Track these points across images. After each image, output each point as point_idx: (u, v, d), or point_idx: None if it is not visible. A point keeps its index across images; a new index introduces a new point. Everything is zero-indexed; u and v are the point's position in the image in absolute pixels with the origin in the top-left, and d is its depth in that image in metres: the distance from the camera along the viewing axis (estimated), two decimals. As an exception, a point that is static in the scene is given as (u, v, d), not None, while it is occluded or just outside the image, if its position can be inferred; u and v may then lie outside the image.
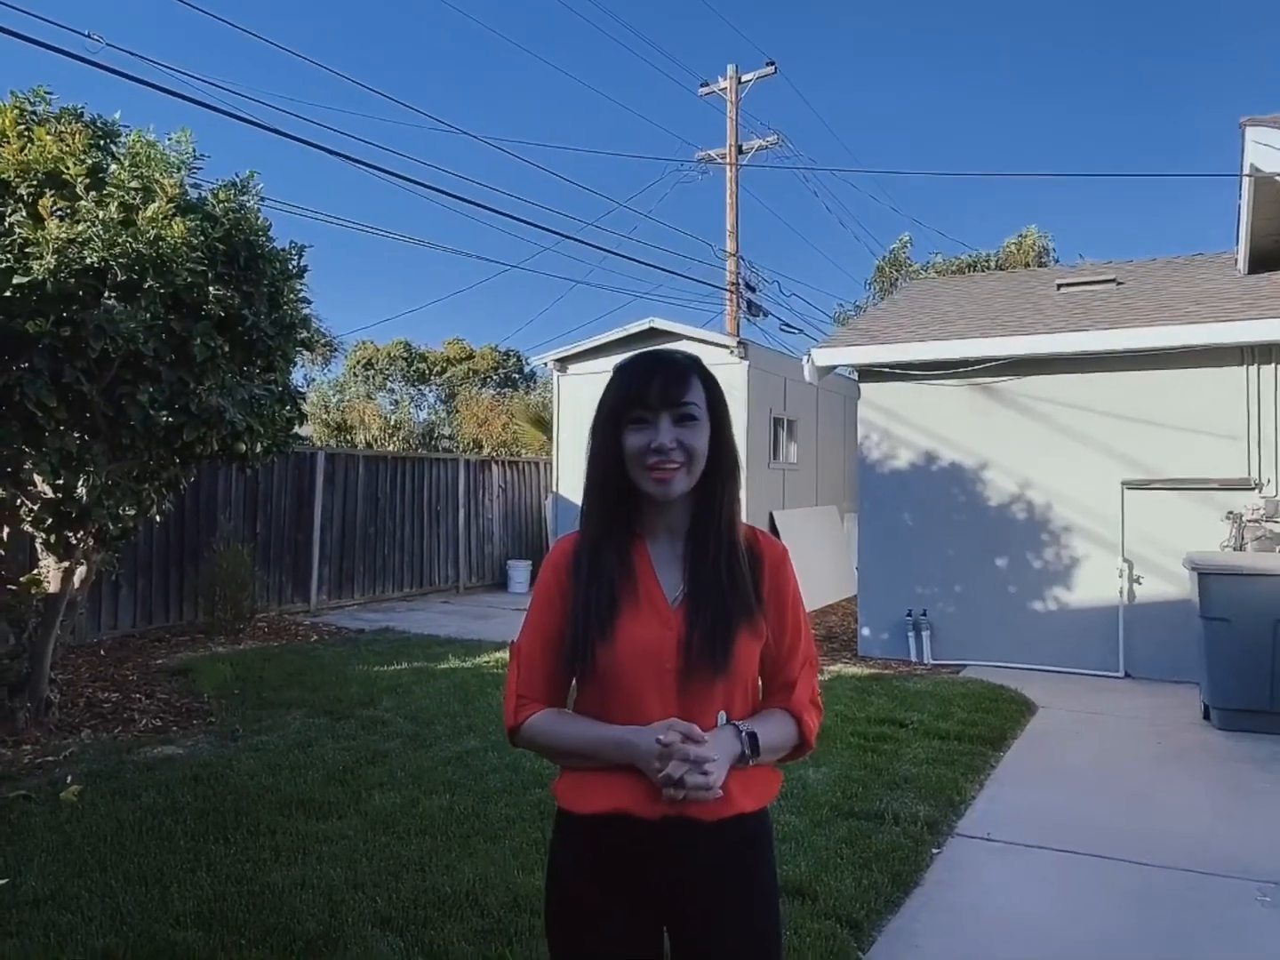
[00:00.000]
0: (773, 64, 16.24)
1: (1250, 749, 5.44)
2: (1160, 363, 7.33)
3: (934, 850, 3.94)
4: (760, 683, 1.65)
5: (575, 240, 10.89)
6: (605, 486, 1.57)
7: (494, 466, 13.90)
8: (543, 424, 16.44)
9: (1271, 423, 7.04)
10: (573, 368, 12.79)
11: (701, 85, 16.86)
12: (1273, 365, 7.05)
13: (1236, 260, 8.70)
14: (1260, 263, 8.35)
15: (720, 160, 16.67)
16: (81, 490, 5.11)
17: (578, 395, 12.55)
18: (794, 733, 1.59)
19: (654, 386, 1.52)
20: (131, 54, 6.46)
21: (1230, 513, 6.93)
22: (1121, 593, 7.50)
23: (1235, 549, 6.76)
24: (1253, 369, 7.12)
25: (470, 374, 28.17)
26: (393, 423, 19.32)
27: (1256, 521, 6.75)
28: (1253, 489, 7.06)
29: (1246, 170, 6.66)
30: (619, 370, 1.60)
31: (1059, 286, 9.56)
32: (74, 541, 5.40)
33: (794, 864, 3.67)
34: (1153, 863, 3.82)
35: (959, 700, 6.42)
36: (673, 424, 1.52)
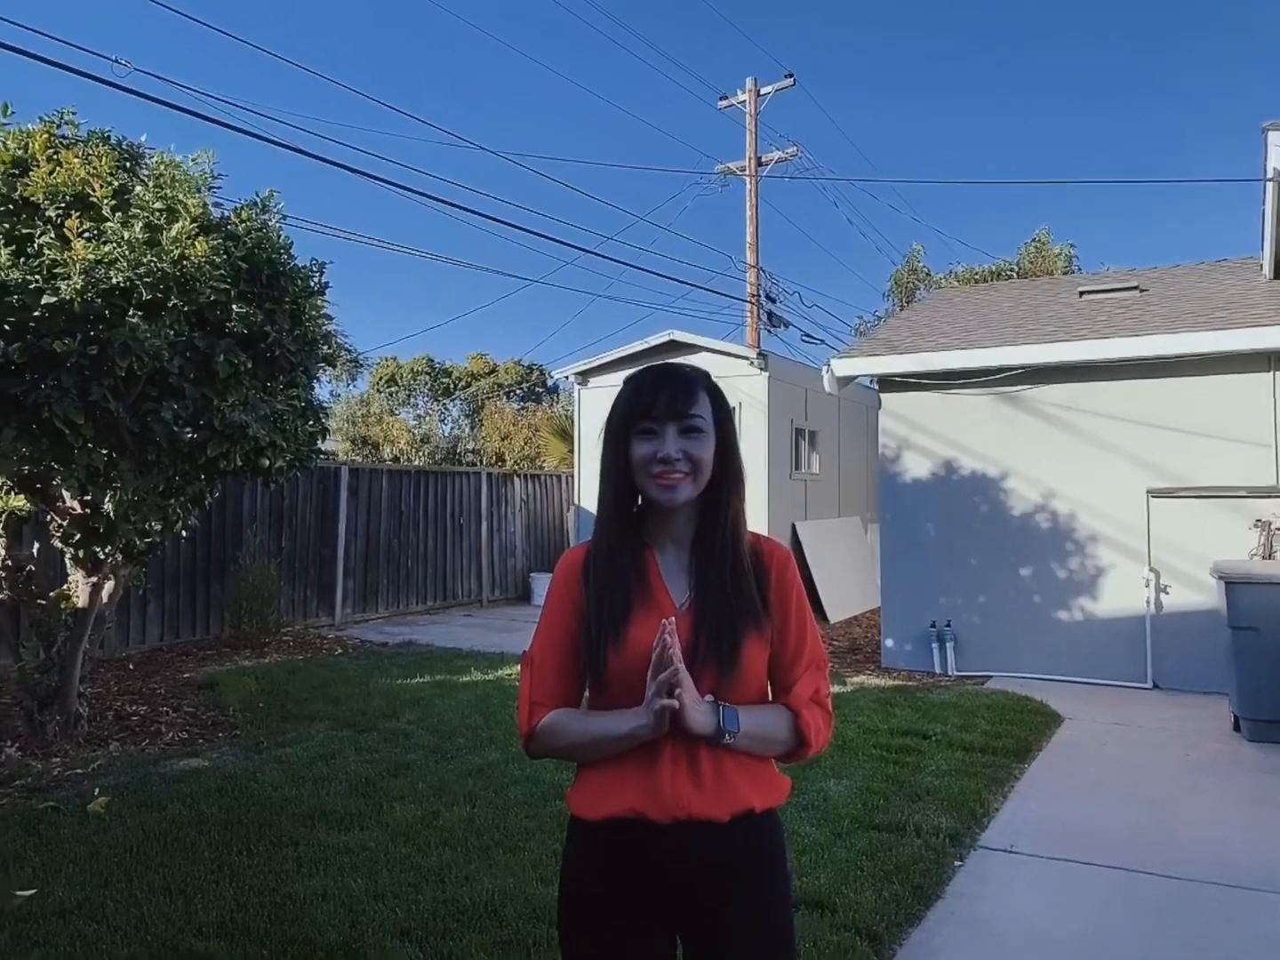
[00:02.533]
0: (791, 76, 16.30)
1: (1281, 760, 5.35)
2: (1184, 369, 7.26)
3: (956, 863, 3.91)
4: (769, 689, 1.66)
5: (596, 254, 11.00)
6: (615, 495, 1.61)
7: (516, 480, 13.96)
8: (567, 435, 16.51)
9: (1299, 429, 6.95)
10: (594, 381, 12.85)
11: (721, 98, 16.94)
12: (1300, 371, 6.96)
13: (1261, 265, 8.61)
14: (1286, 267, 8.25)
15: (740, 173, 16.71)
16: (108, 506, 5.20)
17: (599, 408, 12.57)
18: (787, 725, 1.59)
19: (661, 399, 1.55)
20: (157, 77, 6.59)
21: (1258, 520, 6.84)
22: (1148, 602, 7.41)
23: (1264, 557, 6.67)
24: (1279, 375, 7.04)
25: (494, 388, 28.34)
26: (419, 437, 19.46)
27: (1285, 529, 6.66)
28: (1281, 496, 6.96)
29: (1269, 174, 6.60)
30: (628, 383, 1.64)
31: (1081, 294, 9.50)
32: (102, 556, 5.49)
33: (814, 876, 3.65)
34: (1180, 876, 3.76)
35: (983, 712, 6.36)
36: (678, 435, 1.55)
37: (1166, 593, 7.38)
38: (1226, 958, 3.13)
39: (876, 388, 8.87)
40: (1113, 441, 7.56)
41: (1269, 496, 6.98)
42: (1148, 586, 7.41)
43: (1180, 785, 4.98)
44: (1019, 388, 7.91)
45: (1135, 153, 48.19)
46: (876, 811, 4.40)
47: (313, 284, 5.68)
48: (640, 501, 1.62)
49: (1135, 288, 9.21)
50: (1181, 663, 7.23)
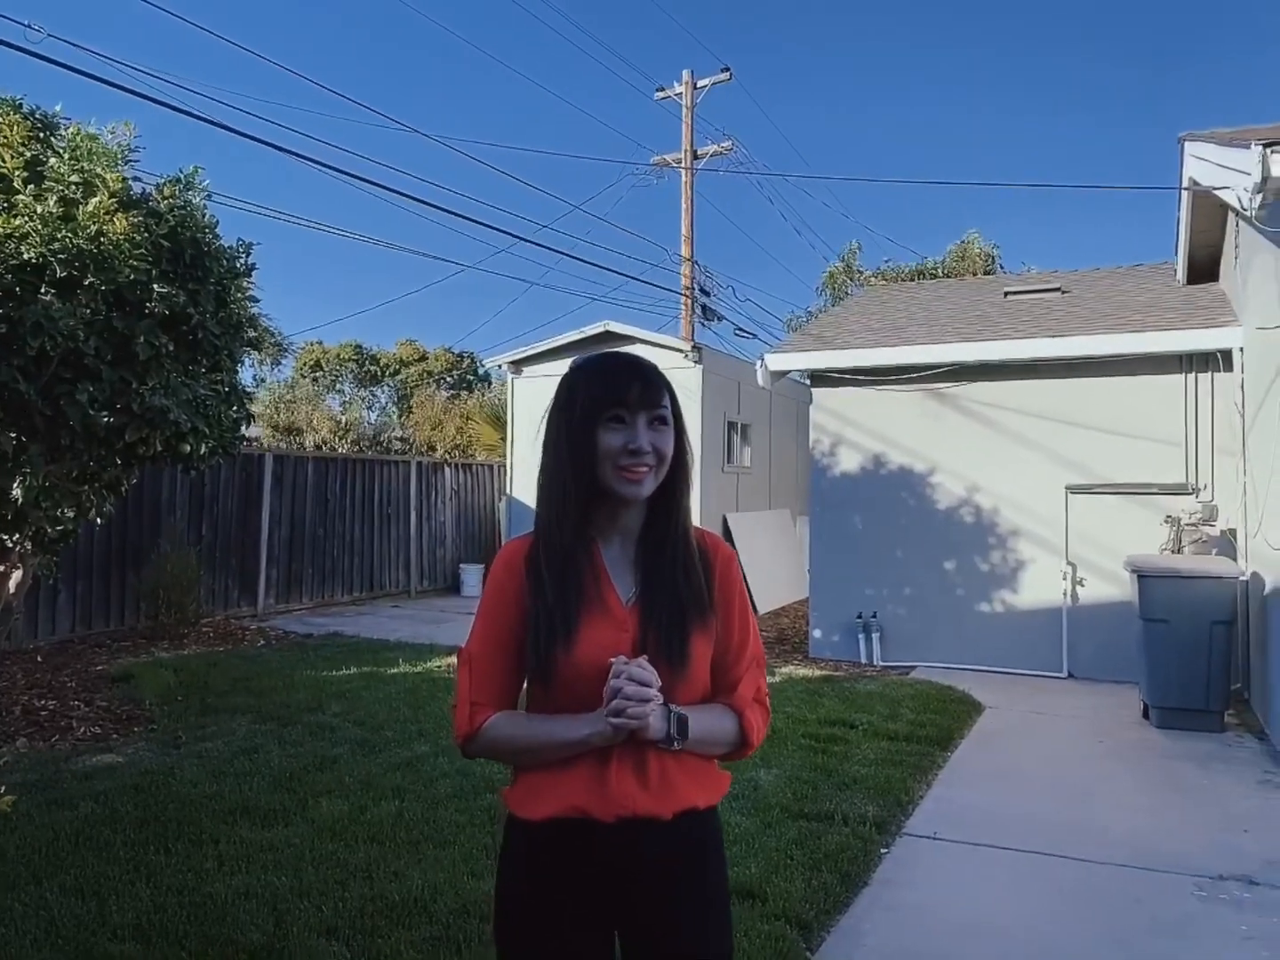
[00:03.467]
0: (728, 70, 16.35)
1: (1187, 747, 5.58)
2: (1103, 370, 7.51)
3: (882, 850, 3.98)
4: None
5: (530, 242, 10.84)
6: (569, 486, 1.54)
7: (447, 469, 13.79)
8: (500, 422, 16.36)
9: (1208, 429, 7.24)
10: (528, 370, 12.75)
11: (657, 90, 16.91)
12: (1209, 373, 7.25)
13: (1176, 271, 8.94)
14: (1198, 273, 8.59)
15: (675, 165, 16.72)
16: (18, 492, 4.97)
17: (533, 398, 12.51)
18: (733, 728, 1.58)
19: (634, 388, 1.51)
20: (73, 45, 6.29)
21: (1169, 516, 7.11)
22: (1065, 595, 7.66)
23: (1174, 552, 6.93)
24: (1190, 377, 7.33)
25: (424, 376, 27.93)
26: (343, 424, 19.06)
27: (1194, 525, 6.94)
28: (1190, 493, 7.25)
29: (1185, 184, 6.84)
30: (588, 370, 1.57)
31: (1006, 294, 9.74)
32: (10, 545, 5.25)
33: (744, 866, 3.69)
34: (1094, 859, 3.90)
35: (908, 701, 6.51)
36: (648, 426, 1.52)
37: (1082, 585, 7.64)
38: (1139, 937, 3.26)
39: (808, 382, 8.98)
40: (1035, 438, 7.78)
41: (1180, 494, 7.27)
42: (1065, 579, 7.65)
43: (1094, 771, 5.16)
44: (946, 385, 8.08)
45: (1071, 156, 49.75)
46: (805, 801, 4.47)
47: (239, 265, 5.52)
48: (588, 492, 1.55)
49: (1058, 289, 9.49)
50: (1095, 653, 7.50)
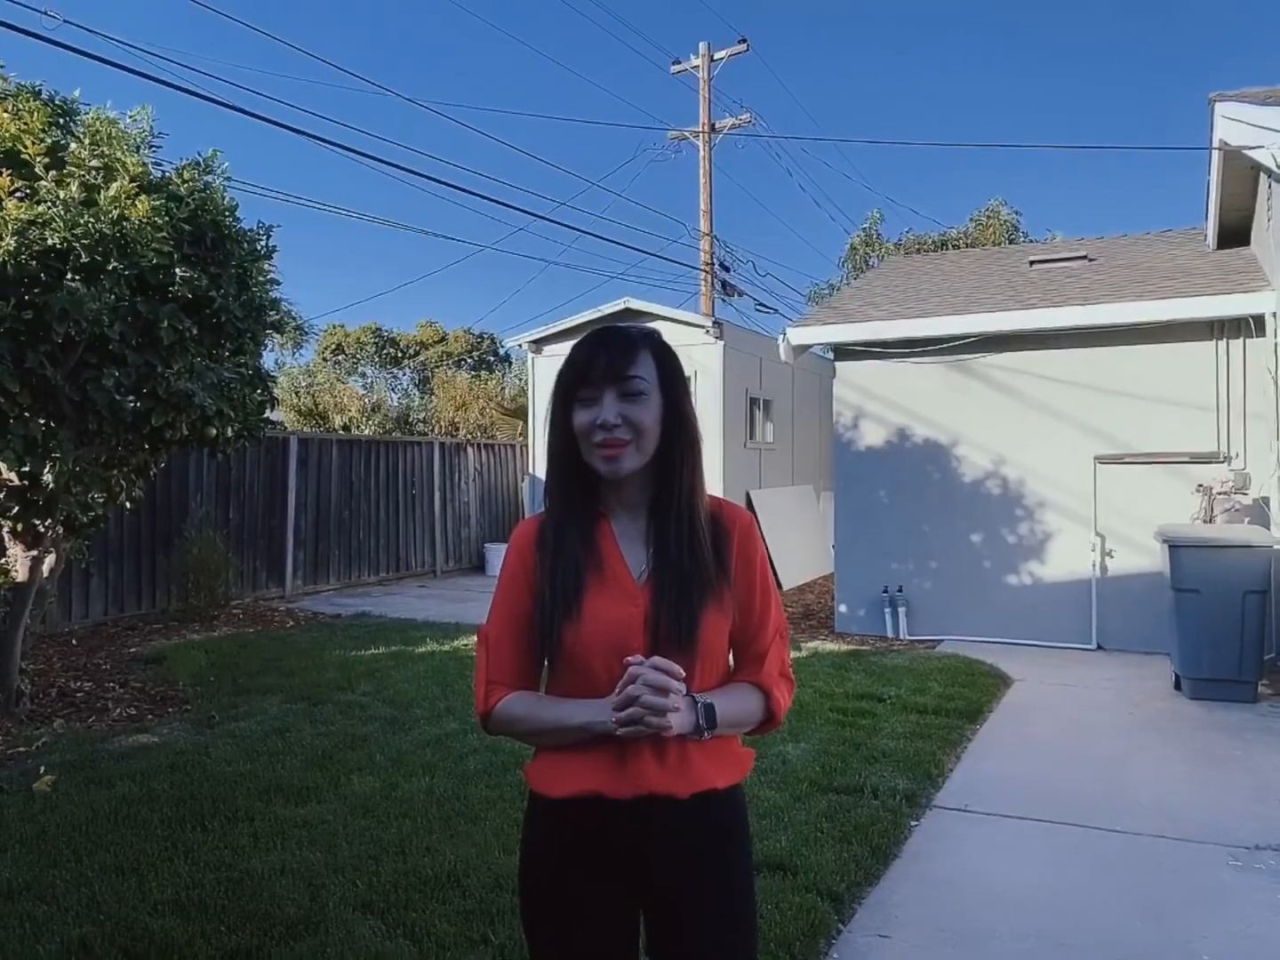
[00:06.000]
0: (745, 41, 16.16)
1: (1220, 718, 5.53)
2: (1132, 338, 7.39)
3: (912, 823, 3.98)
4: (731, 656, 1.63)
5: (548, 220, 10.82)
6: (562, 466, 1.56)
7: (469, 449, 13.82)
8: (516, 413, 16.40)
9: (1240, 396, 7.12)
10: (548, 349, 12.74)
11: (674, 63, 16.74)
12: (1241, 339, 7.12)
13: (1206, 235, 8.77)
14: (1229, 238, 8.42)
15: (693, 138, 16.57)
16: (48, 477, 5.02)
17: (554, 377, 12.43)
18: (759, 707, 1.56)
19: (598, 362, 1.49)
20: (89, 30, 6.30)
21: (1200, 485, 7.01)
22: (1094, 566, 7.58)
23: (1205, 521, 6.84)
24: (1222, 343, 7.20)
25: (444, 357, 27.95)
26: (369, 405, 19.14)
27: (1226, 494, 6.84)
28: (1222, 462, 7.14)
29: (1216, 145, 6.70)
30: (571, 351, 1.57)
31: (1031, 263, 9.61)
32: (42, 529, 5.31)
33: (775, 839, 3.69)
34: (1127, 830, 3.87)
35: (935, 675, 6.48)
36: (618, 399, 1.48)
37: (1112, 556, 7.56)
38: (1175, 908, 3.23)
39: (831, 356, 8.91)
40: (1062, 409, 7.68)
41: (1211, 462, 7.16)
42: (1094, 551, 7.58)
43: (1126, 743, 5.12)
44: (971, 356, 7.99)
45: (1099, 123, 48.88)
46: (835, 774, 4.46)
47: (259, 247, 5.52)
48: (578, 472, 1.55)
49: (1084, 257, 9.34)
50: (1125, 624, 7.43)
